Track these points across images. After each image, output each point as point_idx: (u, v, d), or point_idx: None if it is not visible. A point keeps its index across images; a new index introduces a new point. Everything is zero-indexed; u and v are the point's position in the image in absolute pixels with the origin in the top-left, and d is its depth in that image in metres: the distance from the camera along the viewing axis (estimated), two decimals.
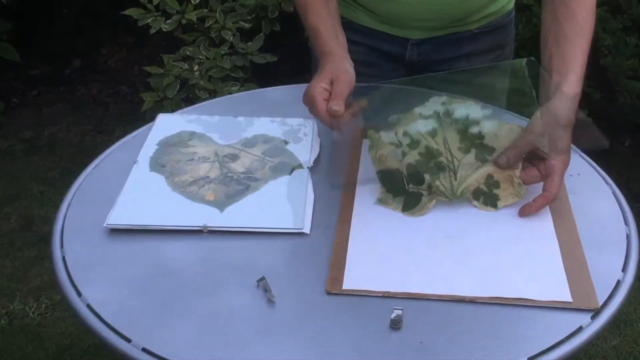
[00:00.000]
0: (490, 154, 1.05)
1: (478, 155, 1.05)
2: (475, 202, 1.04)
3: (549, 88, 1.07)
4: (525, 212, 1.03)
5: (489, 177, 1.05)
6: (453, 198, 1.04)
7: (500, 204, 1.03)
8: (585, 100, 2.45)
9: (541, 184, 1.03)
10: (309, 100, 1.06)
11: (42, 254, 2.27)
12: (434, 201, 1.04)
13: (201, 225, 1.00)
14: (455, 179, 1.04)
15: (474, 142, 1.05)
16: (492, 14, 1.38)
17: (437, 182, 1.04)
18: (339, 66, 1.09)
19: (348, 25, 1.37)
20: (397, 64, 1.41)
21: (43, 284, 2.18)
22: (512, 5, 1.43)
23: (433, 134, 1.04)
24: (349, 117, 1.04)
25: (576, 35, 1.11)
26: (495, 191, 1.04)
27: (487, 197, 1.04)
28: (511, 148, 1.04)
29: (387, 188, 1.06)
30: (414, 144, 1.04)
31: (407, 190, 1.05)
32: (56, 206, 1.06)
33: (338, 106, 1.01)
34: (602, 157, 1.18)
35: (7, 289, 2.17)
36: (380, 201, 1.05)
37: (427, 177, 1.04)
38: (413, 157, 1.04)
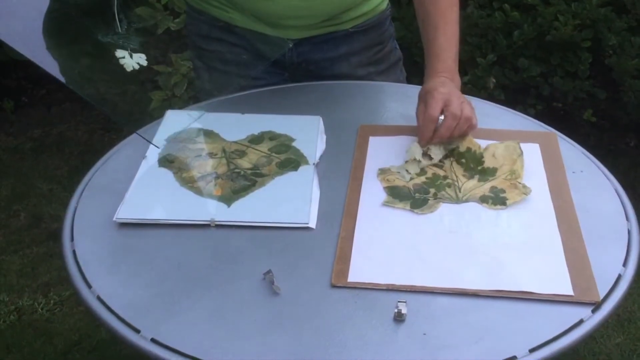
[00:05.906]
0: (492, 175, 1.11)
1: (480, 179, 1.11)
2: (484, 204, 1.05)
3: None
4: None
5: (493, 187, 1.08)
6: (460, 202, 1.06)
7: (509, 202, 1.05)
8: (590, 100, 2.46)
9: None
10: None
11: (51, 250, 2.29)
12: (441, 203, 1.05)
13: (209, 219, 1.02)
14: (460, 191, 1.08)
15: (476, 169, 1.12)
16: (365, 13, 1.40)
17: (443, 192, 1.08)
18: None
19: (226, 29, 1.36)
20: (278, 65, 1.40)
21: (52, 280, 2.20)
22: (385, 4, 1.46)
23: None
24: None
25: (445, 25, 1.22)
26: (502, 195, 1.06)
27: (494, 199, 1.05)
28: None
29: (394, 196, 1.08)
30: (422, 172, 1.12)
31: (413, 196, 1.07)
32: (64, 204, 1.08)
33: None
34: (607, 157, 1.20)
35: (16, 285, 2.19)
36: (387, 203, 1.06)
37: (432, 190, 1.08)
38: (420, 180, 1.11)
